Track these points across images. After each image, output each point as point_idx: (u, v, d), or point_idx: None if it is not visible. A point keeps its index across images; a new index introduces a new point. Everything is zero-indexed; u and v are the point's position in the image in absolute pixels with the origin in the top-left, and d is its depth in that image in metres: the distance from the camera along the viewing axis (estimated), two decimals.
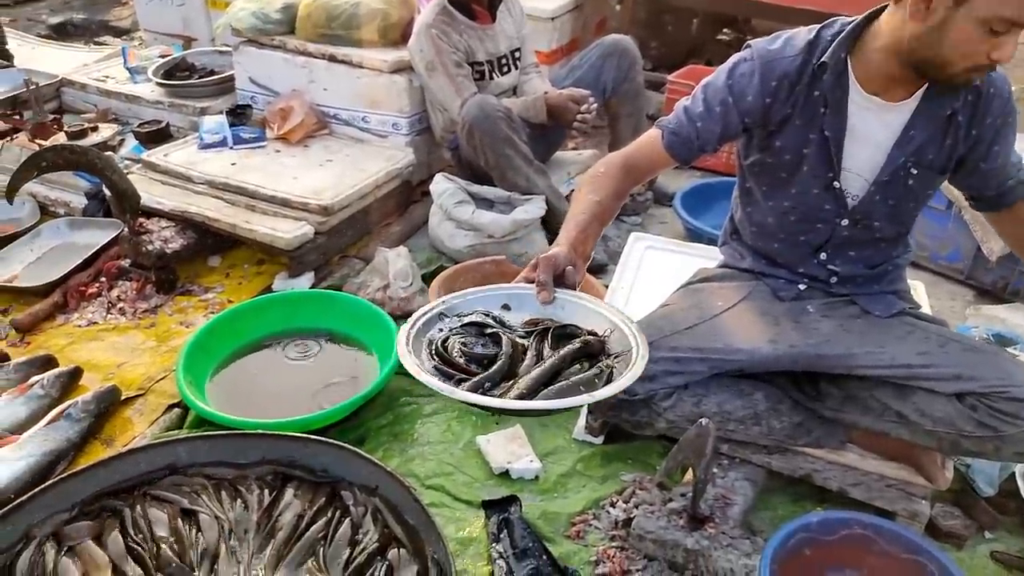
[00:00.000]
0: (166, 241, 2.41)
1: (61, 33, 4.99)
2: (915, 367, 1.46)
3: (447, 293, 2.26)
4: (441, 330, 1.32)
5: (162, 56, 3.55)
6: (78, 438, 1.80)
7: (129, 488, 1.63)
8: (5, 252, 2.52)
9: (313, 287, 2.43)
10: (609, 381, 1.21)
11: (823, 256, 1.62)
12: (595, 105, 2.71)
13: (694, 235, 2.69)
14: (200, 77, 3.39)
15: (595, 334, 1.31)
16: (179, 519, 1.55)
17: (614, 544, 1.57)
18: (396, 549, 1.51)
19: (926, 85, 1.44)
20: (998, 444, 1.39)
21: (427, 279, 2.45)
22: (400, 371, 2.03)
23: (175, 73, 3.42)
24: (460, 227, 2.57)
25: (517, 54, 2.90)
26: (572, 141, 3.41)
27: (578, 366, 1.25)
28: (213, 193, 2.60)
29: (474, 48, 2.73)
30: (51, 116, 3.05)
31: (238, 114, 2.97)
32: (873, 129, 1.48)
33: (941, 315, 2.35)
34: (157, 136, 3.01)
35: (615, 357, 1.27)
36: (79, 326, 2.27)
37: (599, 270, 2.57)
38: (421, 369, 1.20)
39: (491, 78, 2.80)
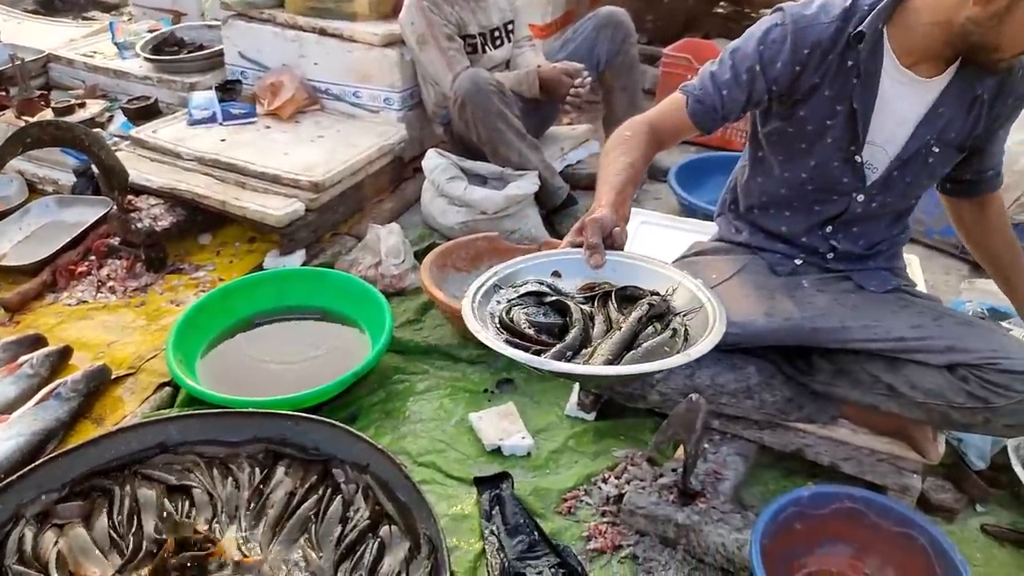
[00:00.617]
0: (155, 219, 2.39)
1: (48, 8, 4.92)
2: (908, 339, 1.45)
3: (439, 270, 2.28)
4: (499, 302, 1.30)
5: (151, 31, 3.50)
6: (68, 417, 1.79)
7: (120, 467, 1.62)
8: None
9: (304, 265, 2.41)
10: (686, 340, 1.20)
11: (828, 229, 1.60)
12: (589, 79, 2.67)
13: (688, 210, 2.67)
14: (189, 52, 3.35)
15: (657, 294, 1.29)
16: (167, 498, 1.56)
17: (605, 520, 1.57)
18: (388, 526, 1.51)
19: (958, 62, 1.41)
20: (988, 416, 1.39)
21: (419, 256, 2.42)
22: (392, 348, 2.04)
23: (164, 48, 3.37)
24: (452, 203, 2.55)
25: (510, 27, 2.86)
26: (566, 116, 3.38)
27: (651, 328, 1.23)
28: (203, 170, 2.57)
29: (466, 20, 2.69)
30: (38, 92, 3.01)
31: (228, 90, 2.94)
32: (903, 104, 1.45)
33: (935, 289, 2.35)
34: (146, 112, 2.97)
35: (684, 315, 1.25)
36: (68, 305, 2.25)
37: None
38: (500, 341, 1.18)
39: (483, 51, 2.76)
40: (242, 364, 2.03)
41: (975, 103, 1.44)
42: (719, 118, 1.50)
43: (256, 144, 2.70)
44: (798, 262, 1.64)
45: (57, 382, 1.84)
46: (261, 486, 1.59)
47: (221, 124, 2.82)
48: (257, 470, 1.63)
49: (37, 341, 2.03)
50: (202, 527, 1.48)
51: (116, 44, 3.39)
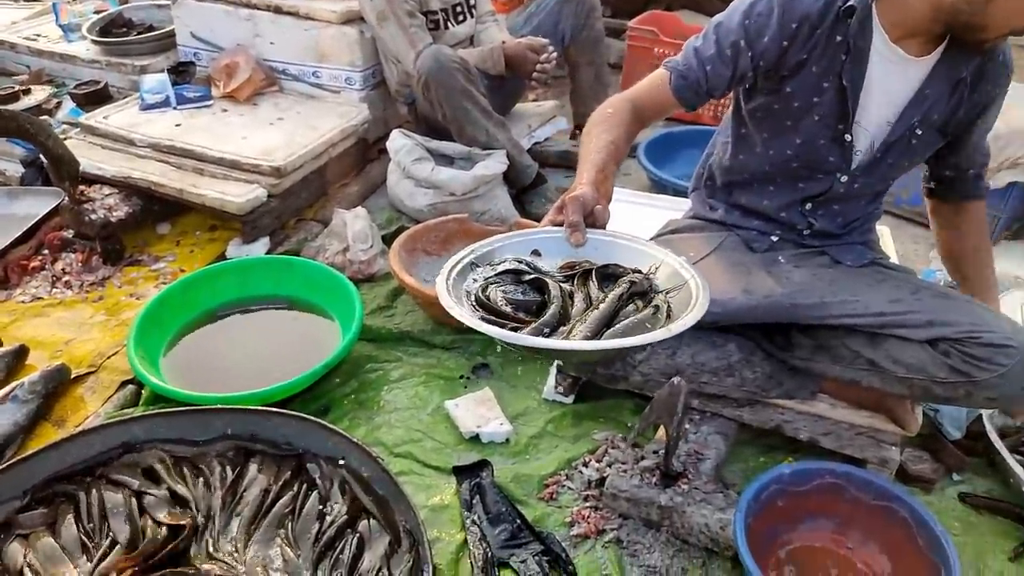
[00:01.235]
0: (110, 209, 2.29)
1: None
2: (888, 315, 1.44)
3: (409, 255, 2.23)
4: (475, 280, 1.26)
5: (97, 12, 3.37)
6: (26, 421, 1.72)
7: (83, 471, 1.56)
8: None
9: (269, 252, 2.34)
10: (668, 317, 1.17)
11: (808, 207, 1.59)
12: (554, 54, 2.62)
13: (659, 186, 2.65)
14: (139, 33, 3.21)
15: (639, 271, 1.26)
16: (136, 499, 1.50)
17: (588, 504, 1.56)
18: (366, 520, 1.48)
19: (945, 42, 1.39)
20: (970, 389, 1.39)
21: (387, 240, 2.37)
22: (363, 336, 1.99)
23: (111, 30, 3.24)
24: (419, 185, 2.49)
25: (472, 1, 2.78)
26: (532, 92, 3.32)
27: (632, 306, 1.20)
28: (158, 157, 2.47)
29: None
30: None
31: (180, 72, 2.82)
32: (891, 83, 1.43)
33: (905, 259, 2.37)
34: (95, 97, 2.85)
35: (667, 292, 1.22)
36: (22, 302, 2.16)
37: None
38: (476, 318, 1.14)
39: (446, 27, 2.69)
40: (208, 358, 1.96)
41: (959, 85, 1.43)
42: (703, 94, 1.47)
43: (213, 128, 2.60)
44: (775, 238, 1.63)
45: (13, 384, 1.76)
46: (235, 485, 1.54)
47: (175, 108, 2.71)
48: (228, 468, 1.58)
49: None
50: (171, 529, 1.44)
51: (61, 26, 3.25)
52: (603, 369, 1.60)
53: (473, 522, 1.52)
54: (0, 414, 1.69)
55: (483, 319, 1.16)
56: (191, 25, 2.97)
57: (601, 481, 1.57)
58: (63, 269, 2.25)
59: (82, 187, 2.30)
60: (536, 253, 1.33)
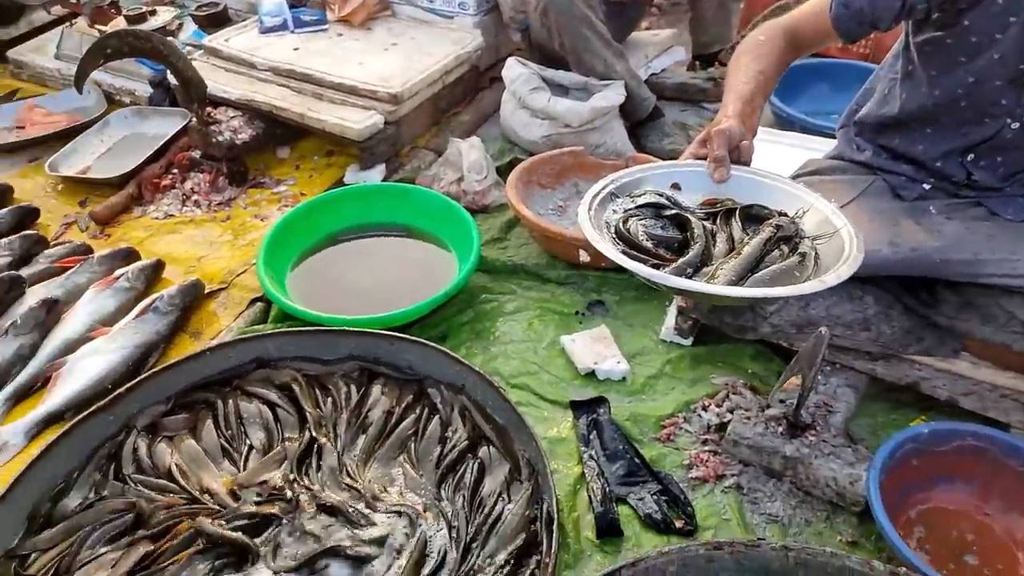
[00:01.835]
0: (235, 131, 2.35)
1: None
2: None
3: (524, 187, 2.21)
4: (615, 211, 1.24)
5: None
6: (167, 331, 1.82)
7: (220, 382, 1.65)
8: (75, 143, 2.49)
9: (385, 180, 2.36)
10: (815, 266, 1.13)
11: (970, 157, 1.45)
12: None
13: (785, 123, 2.51)
14: None
15: (785, 214, 1.21)
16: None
17: (707, 448, 1.54)
18: (486, 447, 1.51)
19: None
20: None
21: (499, 171, 2.35)
22: (478, 268, 2.00)
23: None
24: (535, 116, 2.44)
25: None
26: (646, 20, 3.17)
27: (778, 252, 1.16)
28: (278, 81, 2.50)
29: None
30: (108, 0, 2.95)
31: None
32: None
33: None
34: (216, 20, 2.89)
35: (815, 240, 1.17)
36: (156, 219, 2.26)
37: None
38: (618, 252, 1.12)
39: None
40: (330, 281, 2.01)
41: None
42: (867, 25, 1.35)
43: (330, 53, 2.61)
44: (926, 187, 1.51)
45: (154, 296, 1.86)
46: (359, 405, 1.60)
47: (292, 32, 2.73)
48: (353, 388, 1.63)
49: (130, 255, 2.04)
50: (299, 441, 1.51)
51: None
52: (731, 318, 1.56)
53: (591, 456, 1.53)
54: (144, 323, 1.80)
55: (624, 253, 1.14)
56: None
57: (722, 426, 1.55)
58: (192, 188, 2.34)
59: (208, 109, 2.36)
60: (676, 187, 1.29)
